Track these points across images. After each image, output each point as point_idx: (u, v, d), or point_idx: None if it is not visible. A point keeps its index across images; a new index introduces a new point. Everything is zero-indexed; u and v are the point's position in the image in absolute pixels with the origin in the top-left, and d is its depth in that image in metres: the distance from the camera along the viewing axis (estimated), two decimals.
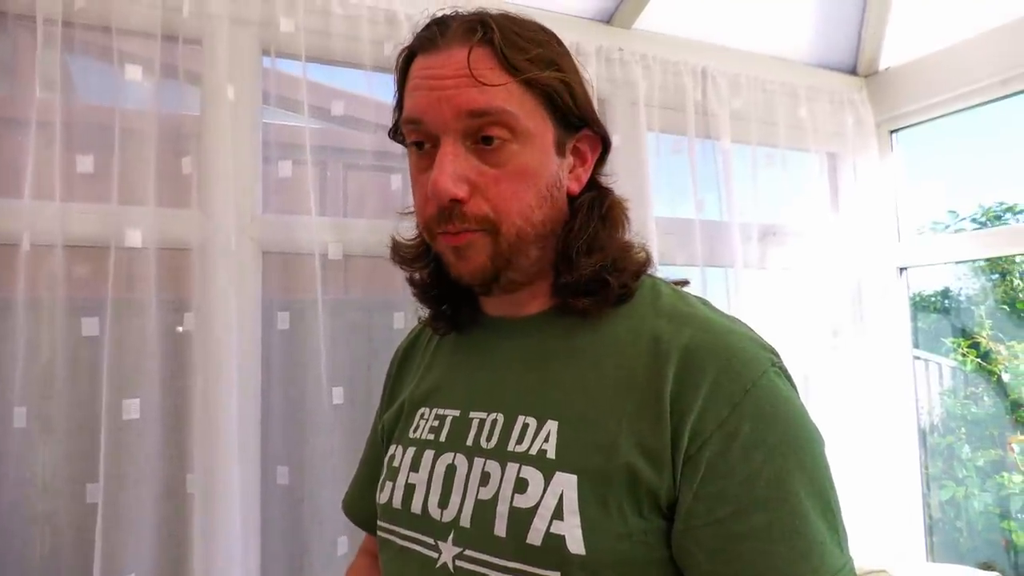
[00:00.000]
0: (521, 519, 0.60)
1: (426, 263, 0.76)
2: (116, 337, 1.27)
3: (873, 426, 2.06)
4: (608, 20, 1.81)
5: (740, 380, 0.59)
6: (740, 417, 0.58)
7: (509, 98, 0.64)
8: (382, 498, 0.74)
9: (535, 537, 0.59)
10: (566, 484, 0.59)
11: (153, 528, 1.29)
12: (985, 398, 2.66)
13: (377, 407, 0.90)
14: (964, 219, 2.59)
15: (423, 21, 0.69)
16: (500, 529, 0.61)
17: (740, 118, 1.93)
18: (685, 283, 0.75)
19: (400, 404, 0.80)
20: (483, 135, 0.64)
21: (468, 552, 0.63)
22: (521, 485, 0.61)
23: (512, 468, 0.63)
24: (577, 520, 0.58)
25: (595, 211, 0.70)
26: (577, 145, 0.71)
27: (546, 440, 0.62)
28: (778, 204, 2.04)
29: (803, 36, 2.09)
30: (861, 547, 1.93)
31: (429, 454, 0.71)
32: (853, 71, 2.18)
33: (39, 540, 1.24)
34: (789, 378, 0.64)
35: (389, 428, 0.80)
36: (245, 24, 1.41)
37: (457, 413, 0.71)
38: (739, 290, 1.90)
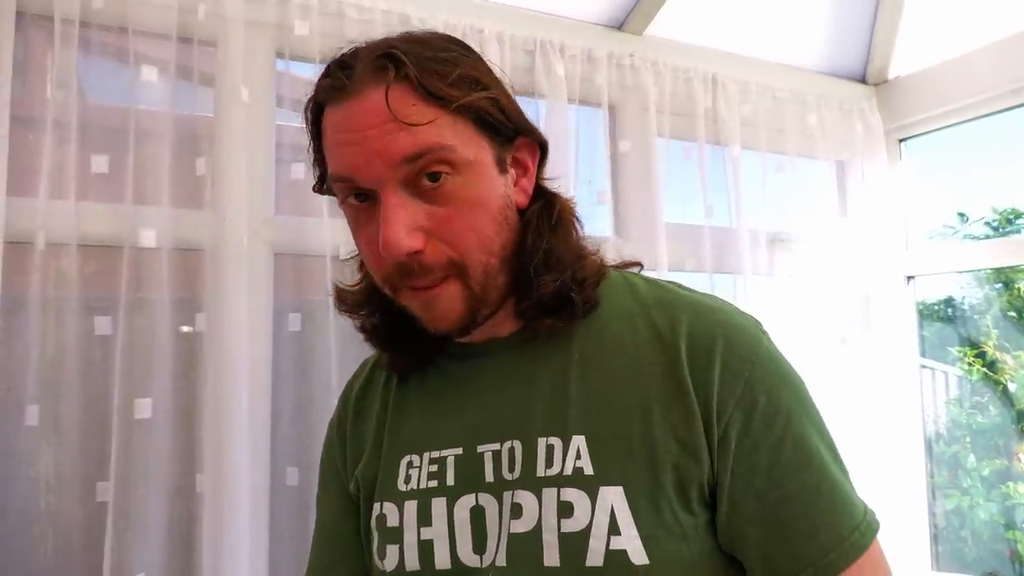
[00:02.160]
0: (575, 543, 0.58)
1: (375, 307, 0.71)
2: (128, 336, 1.27)
3: (879, 434, 2.05)
4: (619, 26, 1.81)
5: (745, 354, 0.62)
6: (752, 389, 0.60)
7: (441, 132, 0.59)
8: (387, 566, 0.66)
9: (595, 559, 0.57)
10: (614, 497, 0.58)
11: (162, 528, 1.29)
12: (991, 408, 2.66)
13: (321, 481, 0.81)
14: (975, 222, 2.60)
15: (323, 67, 0.65)
16: (552, 559, 0.58)
17: (750, 125, 1.94)
18: (639, 266, 0.74)
19: (372, 456, 0.72)
20: (425, 173, 0.59)
21: None
22: (566, 509, 0.59)
23: (549, 493, 0.60)
24: (635, 531, 0.57)
25: (545, 223, 0.66)
26: (516, 156, 0.66)
27: (578, 457, 0.60)
28: (786, 211, 2.04)
29: (813, 44, 2.10)
30: None
31: (439, 503, 0.65)
32: (863, 79, 2.18)
33: (49, 538, 1.24)
34: (774, 342, 0.67)
35: (367, 485, 0.72)
36: (260, 27, 1.41)
37: (459, 451, 0.66)
38: (747, 297, 1.91)
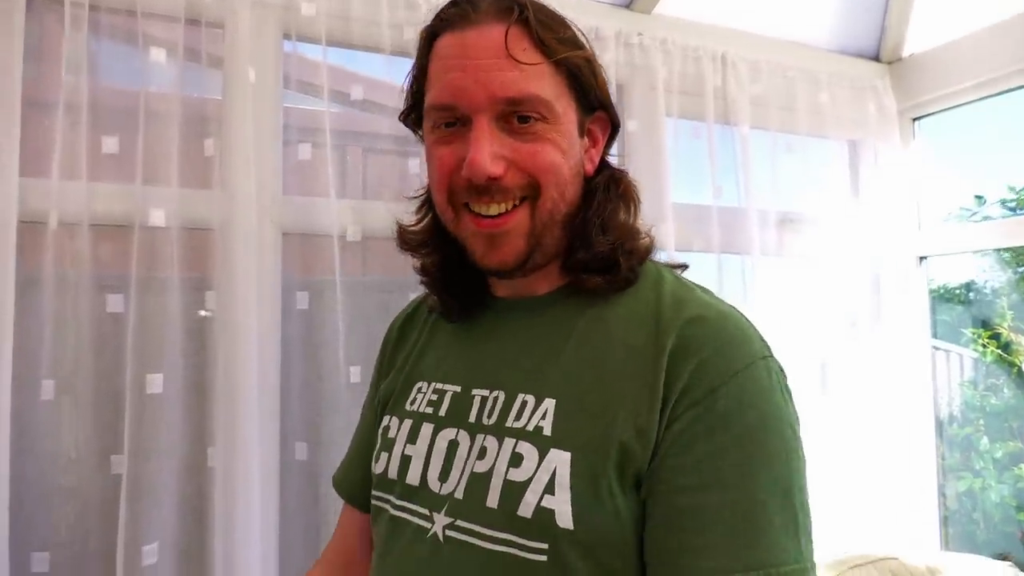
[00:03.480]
0: (514, 492, 0.62)
1: (433, 248, 0.76)
2: (140, 314, 1.30)
3: (890, 416, 2.05)
4: (628, 5, 1.81)
5: (727, 365, 0.61)
6: (715, 400, 0.59)
7: (542, 82, 0.65)
8: (377, 468, 0.75)
9: (526, 510, 0.60)
10: (559, 461, 0.61)
11: (175, 499, 1.33)
12: (1005, 390, 2.64)
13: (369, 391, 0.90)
14: (993, 204, 2.56)
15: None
16: (492, 501, 0.63)
17: (760, 104, 1.92)
18: (684, 267, 0.75)
19: (396, 376, 0.81)
20: (518, 115, 0.65)
21: (459, 523, 0.65)
22: (516, 459, 0.63)
23: (509, 443, 0.64)
24: (567, 496, 0.59)
25: (612, 191, 0.71)
26: (591, 127, 0.72)
27: (543, 417, 0.64)
28: (797, 191, 2.03)
29: (825, 22, 2.07)
30: (873, 535, 1.94)
31: (428, 428, 0.72)
32: (876, 58, 2.15)
33: (66, 509, 1.28)
34: (780, 376, 0.64)
35: (384, 398, 0.81)
36: (266, 8, 1.43)
37: (458, 389, 0.72)
38: (755, 278, 1.90)
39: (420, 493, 0.69)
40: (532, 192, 0.67)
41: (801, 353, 1.97)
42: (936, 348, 2.50)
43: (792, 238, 2.00)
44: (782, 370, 0.66)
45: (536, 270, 0.71)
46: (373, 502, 0.76)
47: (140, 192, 1.30)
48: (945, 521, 2.28)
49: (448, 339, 0.79)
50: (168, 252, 1.32)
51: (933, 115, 2.15)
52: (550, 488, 0.60)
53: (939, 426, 2.37)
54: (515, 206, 0.67)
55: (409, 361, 0.81)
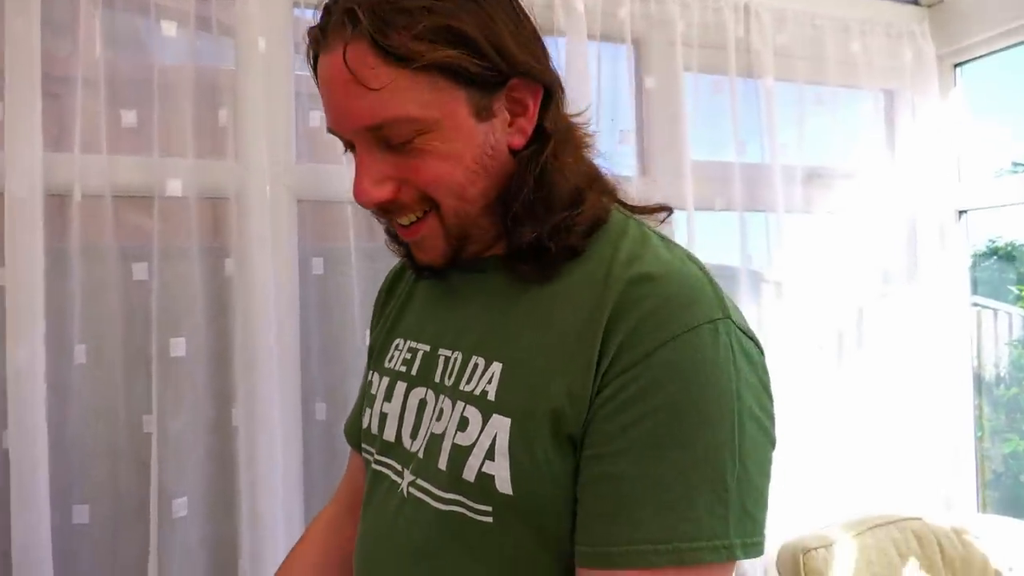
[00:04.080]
0: (459, 456, 0.62)
1: None
2: (163, 281, 1.36)
3: (927, 375, 2.00)
4: None
5: (663, 329, 0.57)
6: (645, 368, 0.56)
7: (403, 98, 0.59)
8: (364, 422, 0.79)
9: (469, 474, 0.61)
10: (500, 426, 0.61)
11: (202, 457, 1.40)
12: None
13: None
14: None
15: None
16: (442, 463, 0.64)
17: (785, 55, 1.86)
18: (666, 210, 0.72)
19: (380, 332, 0.83)
20: (386, 142, 0.62)
21: (419, 481, 0.67)
22: (463, 423, 0.63)
23: (459, 406, 0.65)
24: (506, 462, 0.59)
25: (529, 173, 0.65)
26: (512, 96, 0.65)
27: (489, 381, 0.63)
28: (826, 145, 1.96)
29: None
30: (904, 496, 1.90)
31: (401, 386, 0.73)
32: (914, 0, 2.05)
33: (102, 465, 1.36)
34: (736, 342, 0.59)
35: (370, 353, 0.85)
36: None
37: (428, 348, 0.73)
38: (781, 235, 1.86)
39: (395, 449, 0.71)
40: (431, 204, 0.65)
41: (832, 311, 1.93)
42: (981, 306, 2.42)
43: (821, 194, 1.95)
44: (747, 336, 0.61)
45: (482, 251, 0.70)
46: (363, 454, 0.79)
47: (158, 164, 1.35)
48: (987, 484, 2.22)
49: (424, 297, 0.80)
50: (187, 221, 1.37)
51: (976, 60, 2.04)
52: (491, 454, 0.60)
53: (984, 387, 2.30)
54: (421, 217, 0.66)
55: (391, 318, 0.83)
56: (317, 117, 1.49)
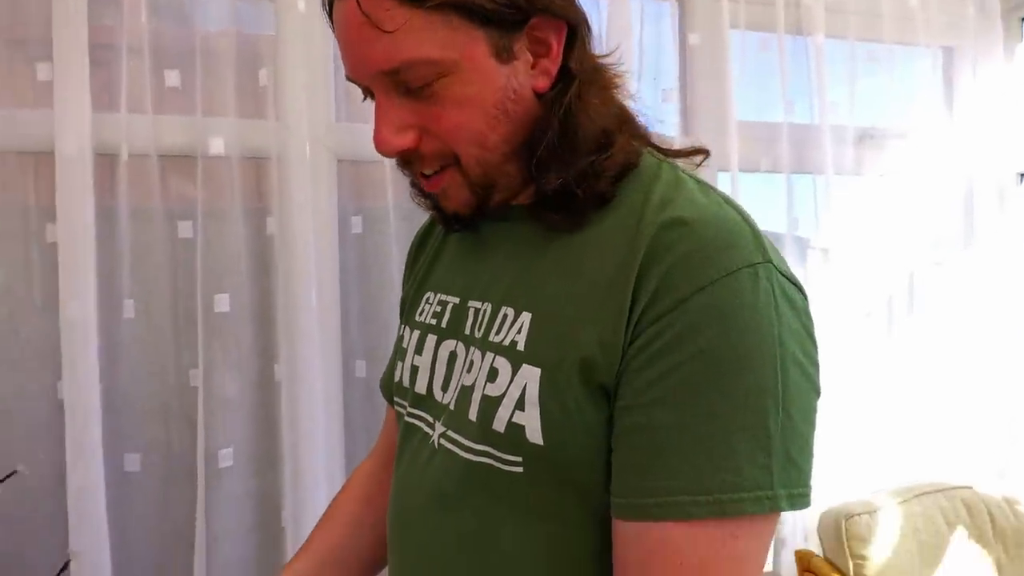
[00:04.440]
0: (489, 407, 0.62)
1: None
2: (207, 239, 1.39)
3: (983, 342, 1.92)
4: None
5: (699, 274, 0.54)
6: (680, 315, 0.54)
7: (418, 39, 0.58)
8: (395, 376, 0.78)
9: (499, 425, 0.60)
10: (530, 376, 0.59)
11: (247, 411, 1.43)
12: None
13: None
14: None
15: None
16: (473, 414, 0.63)
17: (837, 11, 1.78)
18: (704, 153, 0.69)
19: (411, 286, 0.83)
20: (405, 87, 0.60)
21: (450, 433, 0.66)
22: (493, 374, 0.62)
23: (488, 357, 0.64)
24: (537, 412, 0.58)
25: (553, 116, 0.62)
26: (535, 35, 0.62)
27: (519, 332, 0.62)
28: (880, 105, 1.89)
29: None
30: (957, 465, 1.85)
31: (432, 339, 0.73)
32: None
33: (151, 417, 1.41)
34: (778, 287, 0.56)
35: (402, 307, 0.84)
36: None
37: (457, 301, 0.72)
38: (829, 198, 1.81)
39: (427, 401, 0.71)
40: (452, 160, 0.63)
41: (881, 278, 1.87)
42: None
43: (873, 156, 1.88)
44: (790, 281, 0.58)
45: (510, 198, 0.68)
46: (395, 407, 0.79)
47: (201, 123, 1.37)
48: None
49: (454, 249, 0.79)
50: (229, 181, 1.40)
51: None
52: (520, 404, 0.59)
53: None
54: (443, 167, 0.64)
55: (421, 271, 0.82)
56: None
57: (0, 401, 1.31)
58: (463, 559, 0.64)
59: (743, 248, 0.56)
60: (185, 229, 1.40)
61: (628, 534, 0.56)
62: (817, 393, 0.59)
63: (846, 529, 1.41)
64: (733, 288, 0.54)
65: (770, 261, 0.57)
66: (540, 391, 0.59)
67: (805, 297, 0.60)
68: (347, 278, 1.51)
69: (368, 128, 1.49)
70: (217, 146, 1.37)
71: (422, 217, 0.83)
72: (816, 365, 0.59)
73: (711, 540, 0.53)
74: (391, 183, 1.50)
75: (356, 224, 1.51)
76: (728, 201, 0.62)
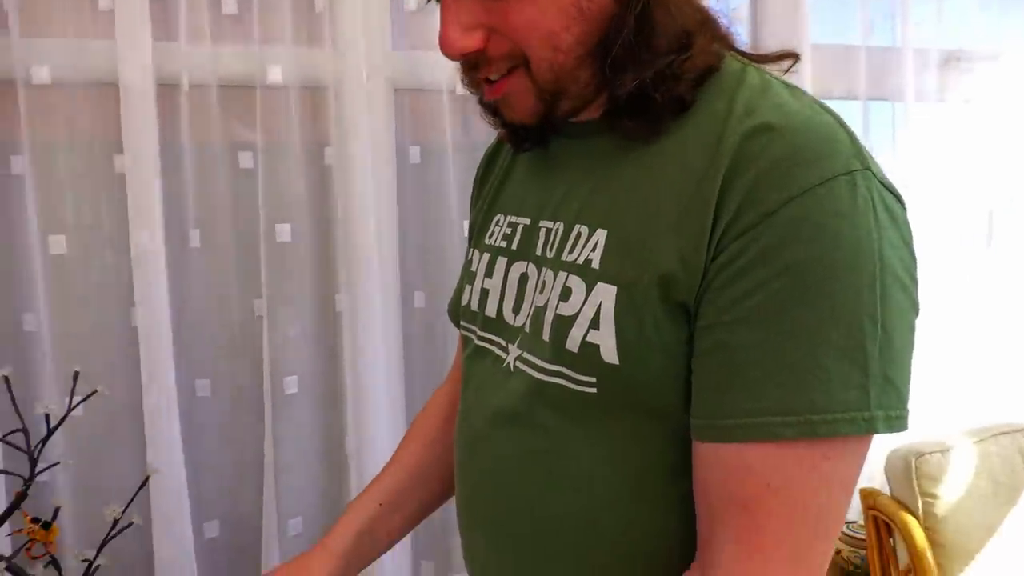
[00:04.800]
0: (562, 326, 0.60)
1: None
2: (267, 169, 1.40)
3: None
4: None
5: (789, 183, 0.50)
6: (767, 228, 0.50)
7: None
8: (463, 300, 0.77)
9: (573, 344, 0.59)
10: (605, 295, 0.57)
11: (310, 340, 1.46)
12: None
13: None
14: None
15: None
16: (546, 335, 0.62)
17: None
18: (790, 57, 0.64)
19: (479, 209, 0.81)
20: None
21: (525, 355, 0.65)
22: (566, 294, 0.61)
23: (561, 276, 0.62)
24: (612, 331, 0.56)
25: (629, 12, 0.59)
26: None
27: (593, 249, 0.60)
28: (968, 25, 1.75)
29: None
30: None
31: (502, 261, 0.71)
32: None
33: (219, 345, 1.45)
34: (878, 197, 0.52)
35: (470, 232, 0.83)
36: None
37: (528, 222, 0.70)
38: (908, 126, 1.70)
39: (498, 324, 0.70)
40: (521, 61, 0.59)
41: (964, 206, 1.77)
42: None
43: (957, 79, 1.75)
44: (889, 191, 0.54)
45: (579, 109, 0.64)
46: (462, 331, 0.79)
47: (258, 52, 1.37)
48: None
49: (524, 170, 0.77)
50: (287, 110, 1.39)
51: None
52: (595, 323, 0.58)
53: None
54: (510, 71, 0.60)
55: (490, 194, 0.80)
56: (413, 1, 1.45)
57: (80, 329, 1.37)
58: (532, 479, 0.64)
59: (839, 154, 0.52)
60: (246, 159, 1.41)
61: (711, 456, 0.54)
62: (916, 311, 0.55)
63: (916, 468, 1.37)
64: (827, 198, 0.50)
65: (869, 168, 0.52)
66: (616, 309, 0.57)
67: (905, 208, 0.56)
68: (405, 208, 1.50)
69: (425, 56, 1.47)
70: (275, 75, 1.37)
71: (480, 150, 0.82)
72: (916, 281, 0.55)
73: (800, 461, 0.51)
74: (449, 113, 1.47)
75: (414, 154, 1.49)
76: (822, 105, 0.57)
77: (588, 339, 0.58)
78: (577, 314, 0.59)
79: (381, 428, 1.46)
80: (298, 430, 1.46)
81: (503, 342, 0.69)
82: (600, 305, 0.58)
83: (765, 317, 0.50)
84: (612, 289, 0.57)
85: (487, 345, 0.72)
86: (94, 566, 1.11)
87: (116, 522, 1.10)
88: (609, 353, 0.57)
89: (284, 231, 1.40)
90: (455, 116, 1.48)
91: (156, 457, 1.33)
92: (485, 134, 0.80)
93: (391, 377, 1.48)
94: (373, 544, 0.82)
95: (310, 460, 1.49)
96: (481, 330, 0.73)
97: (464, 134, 1.50)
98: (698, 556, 0.57)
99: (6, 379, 1.09)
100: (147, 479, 1.14)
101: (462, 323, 0.78)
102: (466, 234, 1.49)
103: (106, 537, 1.11)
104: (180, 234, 1.39)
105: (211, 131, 1.39)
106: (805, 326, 0.50)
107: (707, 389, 0.54)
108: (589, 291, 0.59)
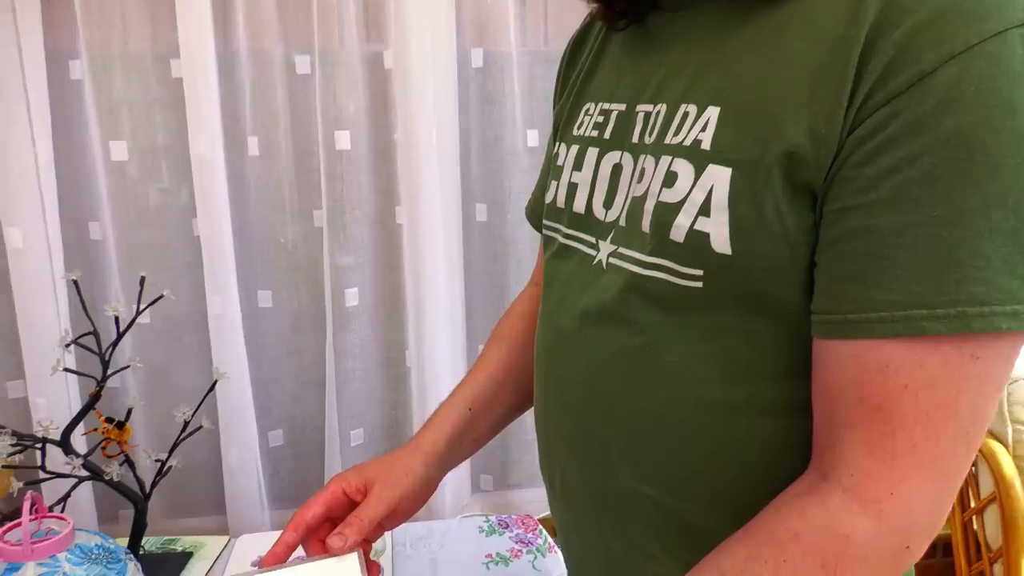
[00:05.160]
0: (666, 215, 0.54)
1: None
2: (325, 74, 1.34)
3: None
4: None
5: (951, 38, 0.42)
6: (921, 92, 0.43)
7: None
8: (547, 197, 0.72)
9: (677, 234, 0.53)
10: (717, 178, 0.51)
11: (370, 251, 1.44)
12: None
13: None
14: None
15: None
16: (646, 225, 0.56)
17: None
18: None
19: (565, 100, 0.75)
20: None
21: (620, 250, 0.60)
22: (670, 179, 0.55)
23: (664, 161, 0.56)
24: (725, 217, 0.51)
25: None
26: None
27: (703, 129, 0.53)
28: None
29: None
30: None
31: (593, 152, 0.66)
32: None
33: (279, 257, 1.43)
34: None
35: (556, 125, 0.77)
36: None
37: (623, 107, 0.64)
38: None
39: (587, 221, 0.65)
40: None
41: None
42: None
43: None
44: None
45: None
46: (544, 232, 0.74)
47: None
48: None
49: (617, 53, 0.70)
50: (345, 14, 1.33)
51: None
52: (705, 209, 0.52)
53: None
54: None
55: (577, 83, 0.74)
56: None
57: (144, 238, 1.37)
58: (626, 379, 0.60)
59: (1013, 2, 0.43)
60: (303, 65, 1.36)
61: (841, 354, 0.48)
62: None
63: (1009, 393, 1.29)
64: (996, 56, 0.42)
65: None
66: (730, 193, 0.51)
67: None
68: (467, 116, 1.44)
69: None
70: None
71: (543, 63, 0.75)
72: None
73: (946, 360, 0.45)
74: (513, 15, 1.38)
75: (476, 58, 1.42)
76: None
77: (696, 227, 0.52)
78: (683, 200, 0.53)
79: (441, 341, 1.44)
80: (359, 342, 1.45)
81: (592, 239, 0.64)
82: (711, 189, 0.52)
83: (916, 197, 0.43)
84: (726, 171, 0.51)
85: (574, 243, 0.67)
86: (167, 466, 1.13)
87: (186, 424, 1.12)
88: (720, 242, 0.51)
89: (343, 138, 1.36)
90: (519, 20, 1.39)
91: (221, 365, 1.34)
92: (546, 43, 0.73)
93: (452, 290, 1.45)
94: (461, 449, 0.80)
95: (371, 372, 1.48)
96: (567, 228, 0.68)
97: (528, 40, 1.41)
98: (816, 464, 0.52)
99: (75, 282, 1.09)
100: (215, 383, 1.15)
101: (545, 221, 0.73)
102: (530, 143, 1.44)
103: (177, 438, 1.13)
104: (238, 142, 1.36)
105: (267, 35, 1.34)
106: (965, 207, 0.42)
107: (840, 280, 0.48)
108: (698, 175, 0.53)
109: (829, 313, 0.48)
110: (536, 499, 1.57)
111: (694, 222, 0.52)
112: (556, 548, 1.24)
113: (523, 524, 1.30)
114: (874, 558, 0.48)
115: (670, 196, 0.54)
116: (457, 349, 1.49)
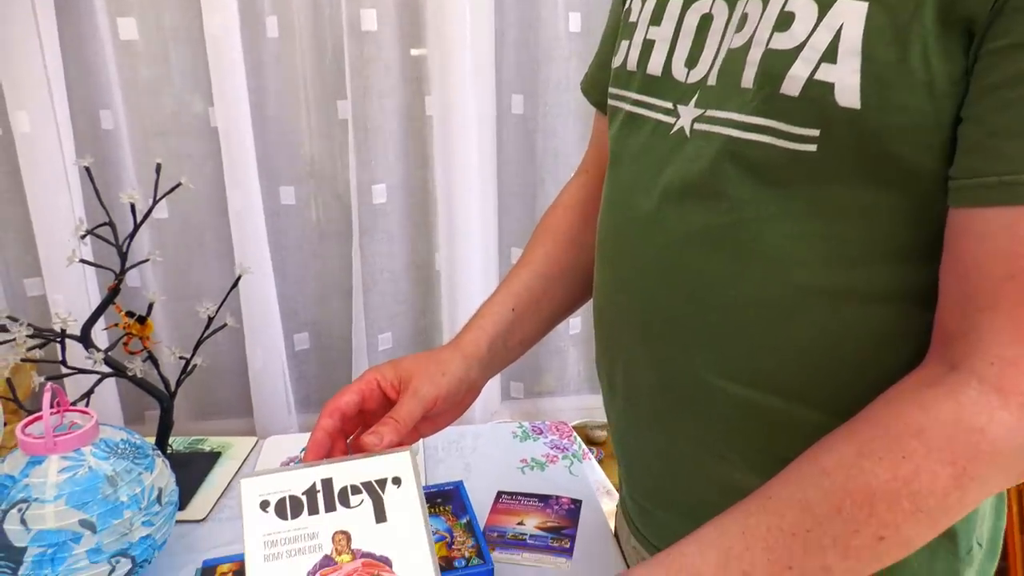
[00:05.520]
0: (777, 64, 0.45)
1: None
2: None
3: None
4: None
5: None
6: None
7: None
8: (616, 61, 0.63)
9: (792, 87, 0.45)
10: (849, 15, 0.43)
11: (398, 144, 1.34)
12: None
13: None
14: None
15: None
16: (748, 79, 0.48)
17: None
18: None
19: None
20: None
21: (709, 113, 0.51)
22: (785, 21, 0.46)
23: (777, 1, 0.47)
24: (857, 63, 0.42)
25: None
26: None
27: None
28: None
29: None
30: None
31: (676, 3, 0.56)
32: None
33: (303, 150, 1.35)
34: None
35: None
36: None
37: None
38: None
39: (663, 84, 0.56)
40: None
41: None
42: None
43: None
44: None
45: None
46: (609, 102, 0.65)
47: None
48: None
49: None
50: None
51: None
52: (830, 55, 0.43)
53: None
54: None
55: None
56: None
57: (158, 126, 1.28)
58: (713, 260, 0.52)
59: None
60: None
61: (990, 225, 0.41)
62: None
63: None
64: None
65: None
66: (866, 33, 0.42)
67: None
68: (503, 4, 1.31)
69: None
70: None
71: None
72: None
73: None
74: None
75: None
76: None
77: (816, 77, 0.44)
78: (802, 45, 0.44)
79: (473, 242, 1.37)
80: (387, 243, 1.38)
81: (669, 104, 0.56)
82: (840, 29, 0.43)
83: None
84: (861, 7, 0.42)
85: (645, 112, 0.58)
86: (191, 365, 1.08)
87: (210, 320, 1.06)
88: (847, 94, 0.43)
89: (369, 17, 1.24)
90: None
91: (244, 259, 1.28)
92: None
93: (484, 186, 1.36)
94: (506, 352, 0.73)
95: (399, 275, 1.42)
96: (639, 93, 0.59)
97: None
98: (940, 354, 0.45)
99: (87, 169, 1.02)
100: (239, 277, 1.08)
101: (611, 90, 0.64)
102: (572, 28, 1.31)
103: (201, 336, 1.07)
104: (256, 21, 1.25)
105: None
106: None
107: (996, 135, 0.40)
108: (823, 12, 0.44)
109: (977, 176, 0.41)
110: (566, 407, 1.53)
111: (815, 70, 0.44)
112: (590, 455, 1.21)
113: (557, 430, 1.26)
114: (1010, 456, 0.42)
115: (784, 41, 0.46)
116: (489, 250, 1.41)
